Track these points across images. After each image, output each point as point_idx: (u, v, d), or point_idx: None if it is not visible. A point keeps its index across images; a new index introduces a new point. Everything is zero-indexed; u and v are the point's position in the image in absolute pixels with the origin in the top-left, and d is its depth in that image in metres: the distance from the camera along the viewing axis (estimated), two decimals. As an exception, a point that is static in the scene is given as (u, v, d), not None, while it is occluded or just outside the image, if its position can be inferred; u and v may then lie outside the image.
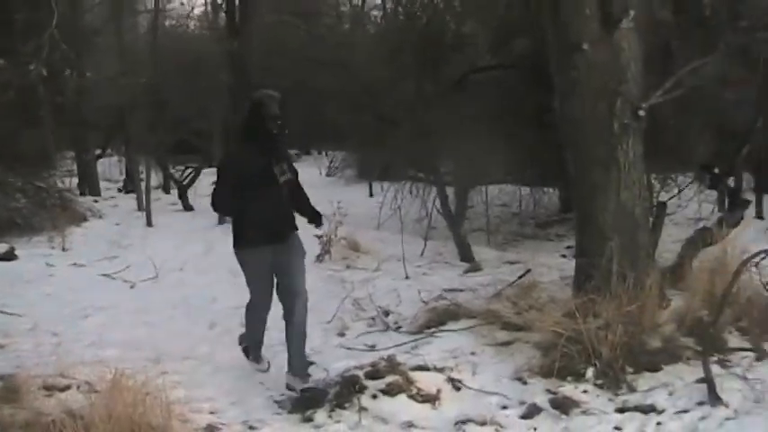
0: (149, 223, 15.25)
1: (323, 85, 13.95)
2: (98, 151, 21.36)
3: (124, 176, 21.23)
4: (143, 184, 16.57)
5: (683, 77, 7.27)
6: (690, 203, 11.68)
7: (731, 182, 10.51)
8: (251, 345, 6.95)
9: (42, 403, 5.67)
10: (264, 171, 6.25)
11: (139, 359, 6.81)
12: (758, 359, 6.31)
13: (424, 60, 11.83)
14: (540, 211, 14.89)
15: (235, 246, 6.49)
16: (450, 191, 12.44)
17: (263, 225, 6.27)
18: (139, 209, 16.65)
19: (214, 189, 6.45)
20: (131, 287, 10.28)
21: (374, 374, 6.24)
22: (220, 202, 6.44)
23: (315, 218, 6.73)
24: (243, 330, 7.09)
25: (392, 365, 6.34)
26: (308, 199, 6.71)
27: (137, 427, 5.06)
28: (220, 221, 14.85)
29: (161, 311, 8.93)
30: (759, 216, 13.67)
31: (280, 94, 6.42)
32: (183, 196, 17.95)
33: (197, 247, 12.43)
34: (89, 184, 19.42)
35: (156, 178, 19.36)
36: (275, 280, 6.47)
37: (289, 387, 6.33)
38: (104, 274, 10.87)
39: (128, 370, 5.57)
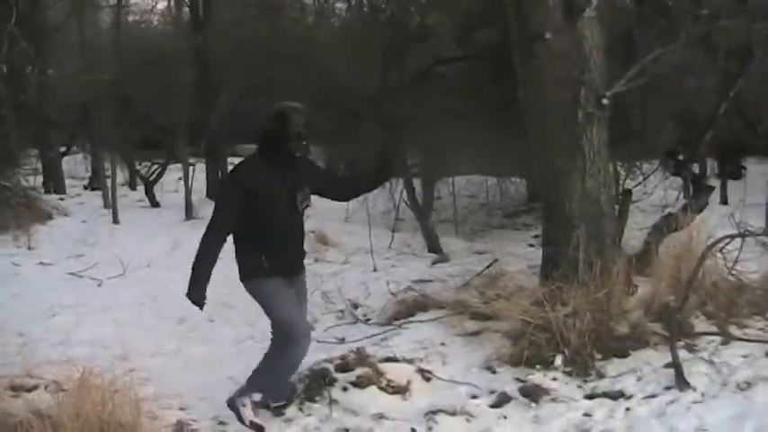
0: (116, 220, 15.13)
1: (289, 80, 13.87)
2: (63, 149, 21.14)
3: (90, 174, 21.05)
4: (109, 181, 16.44)
5: (646, 66, 7.31)
6: (655, 190, 11.77)
7: (695, 168, 10.60)
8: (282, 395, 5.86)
9: (9, 404, 5.63)
10: (285, 196, 5.49)
11: (107, 357, 6.78)
12: (724, 343, 6.37)
13: (388, 53, 11.81)
14: (508, 201, 14.96)
15: (251, 276, 5.59)
16: (417, 183, 12.46)
17: (283, 257, 5.53)
18: (106, 206, 16.51)
19: (209, 224, 5.52)
20: (98, 285, 10.21)
21: (344, 367, 6.25)
22: (207, 247, 5.44)
23: (386, 169, 6.16)
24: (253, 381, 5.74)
25: (362, 358, 6.36)
26: (357, 173, 6.02)
27: (105, 426, 5.02)
28: (188, 217, 14.81)
29: (129, 309, 8.89)
30: (724, 202, 13.84)
31: (303, 106, 5.60)
32: (149, 192, 17.84)
33: (164, 243, 12.36)
34: (54, 182, 19.23)
35: (121, 175, 19.22)
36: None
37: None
38: (71, 273, 10.78)
39: (96, 368, 5.54)
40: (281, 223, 5.49)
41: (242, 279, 5.65)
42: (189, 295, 5.52)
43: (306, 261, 10.39)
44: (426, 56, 12.21)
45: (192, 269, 5.50)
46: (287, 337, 5.54)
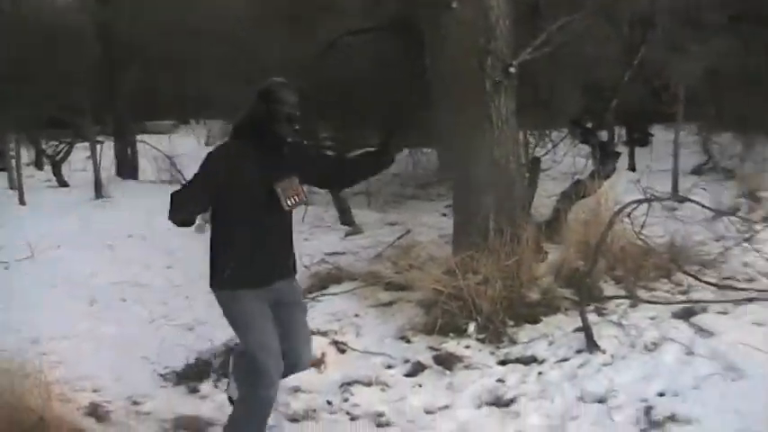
0: (22, 201, 14.77)
1: (196, 53, 13.70)
2: (-36, 130, 20.58)
3: (-6, 155, 20.54)
4: (14, 162, 16.05)
5: (552, 34, 7.37)
6: (564, 158, 11.92)
7: (604, 135, 10.75)
8: None
9: None
10: (266, 191, 4.54)
11: (17, 341, 6.65)
12: (632, 305, 6.54)
13: (295, 23, 11.70)
14: (420, 171, 14.98)
15: (219, 285, 4.69)
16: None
17: (257, 264, 4.59)
18: (11, 187, 16.12)
19: (181, 188, 4.55)
20: (6, 268, 9.96)
21: (259, 344, 6.23)
22: (183, 202, 4.34)
23: (385, 153, 5.08)
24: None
25: (276, 333, 6.34)
26: (357, 157, 5.19)
27: (14, 411, 4.94)
28: (97, 196, 14.55)
29: (38, 291, 8.70)
30: (631, 168, 14.10)
31: (294, 83, 4.75)
32: (56, 172, 17.49)
33: (73, 222, 12.12)
34: (-44, 165, 18.73)
35: (27, 155, 18.79)
36: None
37: None
38: (-24, 257, 10.52)
39: (4, 353, 5.44)
40: (259, 223, 4.57)
41: (211, 286, 4.76)
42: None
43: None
44: (335, 27, 12.13)
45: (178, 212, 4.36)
46: (253, 371, 4.63)
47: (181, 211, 4.32)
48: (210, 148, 4.80)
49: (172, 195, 4.35)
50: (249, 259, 4.57)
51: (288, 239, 4.82)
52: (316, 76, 10.11)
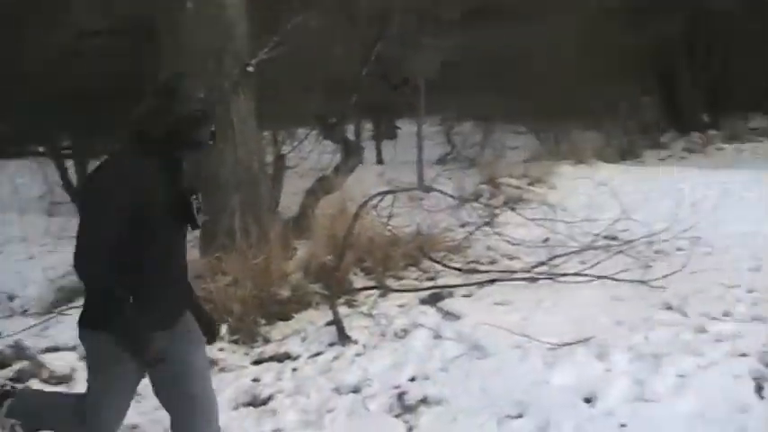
0: None
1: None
2: None
3: None
4: None
5: (288, 33, 7.43)
6: (311, 155, 12.02)
7: (349, 131, 10.96)
8: None
9: None
10: (177, 210, 3.60)
11: None
12: (382, 295, 6.73)
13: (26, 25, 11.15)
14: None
15: (95, 326, 3.60)
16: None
17: (162, 302, 3.62)
18: None
19: (86, 239, 3.55)
20: None
21: (0, 364, 5.94)
22: (98, 263, 3.47)
23: (201, 319, 4.00)
24: None
25: (19, 351, 6.07)
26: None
27: None
28: None
29: None
30: (379, 161, 14.46)
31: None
32: None
33: None
34: None
35: None
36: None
37: None
38: None
39: None
40: (164, 250, 3.63)
41: (83, 324, 3.72)
42: (147, 357, 3.51)
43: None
44: (71, 28, 11.67)
45: (114, 322, 3.49)
46: (82, 420, 3.81)
47: (102, 267, 3.47)
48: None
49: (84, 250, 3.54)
50: (153, 296, 3.58)
51: (186, 266, 3.88)
52: (56, 81, 9.73)
